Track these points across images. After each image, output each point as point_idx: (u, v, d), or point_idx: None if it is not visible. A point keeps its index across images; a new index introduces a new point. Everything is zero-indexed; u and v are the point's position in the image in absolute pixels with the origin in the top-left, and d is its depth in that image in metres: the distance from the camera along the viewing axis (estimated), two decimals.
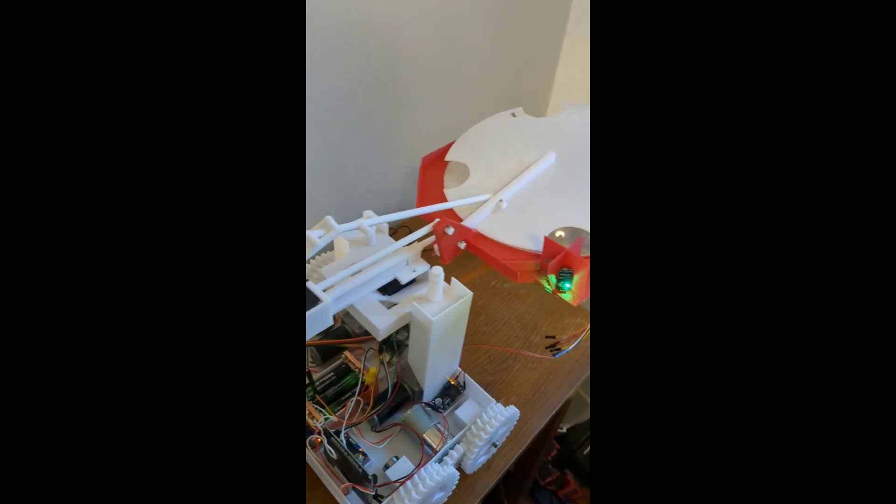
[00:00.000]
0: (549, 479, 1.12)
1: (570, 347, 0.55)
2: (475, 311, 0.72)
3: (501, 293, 0.76)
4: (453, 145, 0.58)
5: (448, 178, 0.56)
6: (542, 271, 0.45)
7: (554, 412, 0.62)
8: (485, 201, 0.51)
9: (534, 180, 0.54)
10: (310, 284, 0.38)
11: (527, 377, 0.65)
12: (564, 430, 1.14)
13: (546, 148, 0.57)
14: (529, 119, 0.63)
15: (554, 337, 0.70)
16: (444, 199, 0.53)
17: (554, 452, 1.13)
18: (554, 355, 0.59)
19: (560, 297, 0.44)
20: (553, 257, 0.44)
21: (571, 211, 0.50)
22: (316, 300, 0.37)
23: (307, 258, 0.40)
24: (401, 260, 0.47)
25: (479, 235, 0.49)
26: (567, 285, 0.43)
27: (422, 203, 0.52)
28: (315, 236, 0.40)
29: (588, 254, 0.45)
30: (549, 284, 0.44)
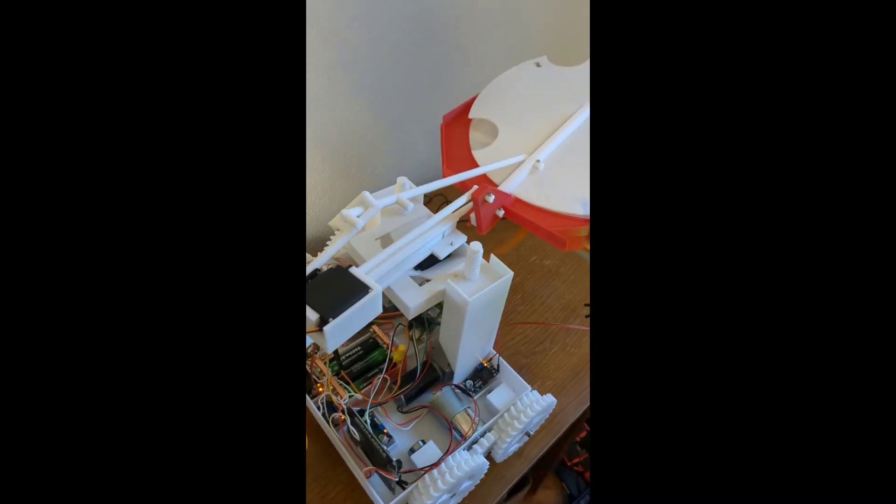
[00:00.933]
0: (576, 460, 1.09)
1: None
2: (512, 288, 0.68)
3: (541, 270, 0.71)
4: (476, 100, 0.52)
5: (474, 138, 0.50)
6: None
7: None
8: (520, 163, 0.46)
9: (571, 136, 0.48)
10: (355, 270, 0.33)
11: (564, 361, 0.61)
12: None
13: (580, 99, 0.51)
14: (556, 69, 0.56)
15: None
16: (473, 162, 0.47)
17: (584, 433, 1.10)
18: None
19: None
20: None
21: None
22: (365, 288, 0.32)
23: (348, 238, 0.36)
24: (436, 233, 0.43)
25: (518, 201, 0.44)
26: None
27: (449, 167, 0.47)
28: (353, 215, 0.36)
29: None
30: None
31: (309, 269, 0.33)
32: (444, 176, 0.47)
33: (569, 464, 1.10)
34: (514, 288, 0.68)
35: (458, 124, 0.52)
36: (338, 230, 0.37)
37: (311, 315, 0.30)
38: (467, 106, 0.52)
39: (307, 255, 0.57)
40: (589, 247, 0.42)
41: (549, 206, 0.43)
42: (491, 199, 0.42)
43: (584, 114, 0.49)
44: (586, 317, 0.65)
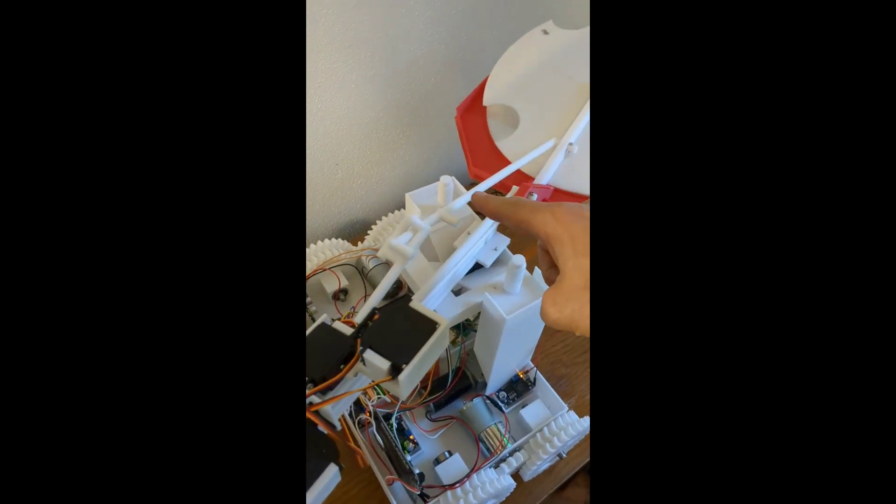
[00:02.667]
0: None
1: None
2: None
3: None
4: (486, 84, 0.47)
5: (494, 127, 0.46)
6: None
7: None
8: (551, 149, 0.42)
9: None
10: (416, 304, 0.30)
11: None
12: None
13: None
14: (564, 33, 0.50)
15: None
16: (500, 155, 0.44)
17: None
18: None
19: None
20: None
21: None
22: (432, 325, 0.29)
23: (402, 267, 0.34)
24: (482, 241, 0.40)
25: (558, 191, 0.41)
26: None
27: (475, 164, 0.44)
28: (403, 244, 0.33)
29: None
30: None
31: (366, 309, 0.30)
32: (471, 174, 0.44)
33: None
34: None
35: (473, 113, 0.47)
36: (389, 260, 0.35)
37: (382, 363, 0.27)
38: (479, 91, 0.48)
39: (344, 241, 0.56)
40: None
41: (588, 192, 0.40)
42: (534, 197, 0.39)
43: None
44: None
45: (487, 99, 0.47)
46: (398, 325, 0.29)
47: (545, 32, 0.51)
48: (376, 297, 0.32)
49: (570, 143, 0.42)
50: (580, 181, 0.41)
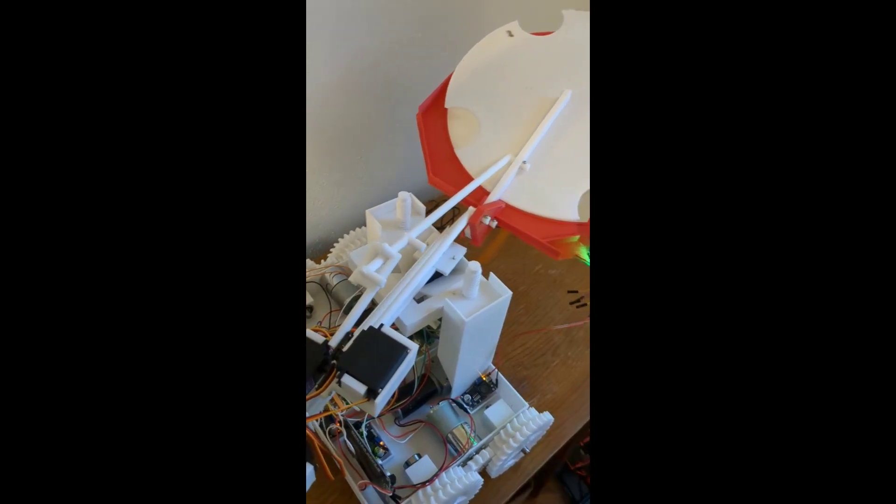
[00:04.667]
0: (579, 465, 1.09)
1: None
2: (515, 298, 0.68)
3: (546, 280, 0.71)
4: (449, 85, 0.49)
5: (454, 130, 0.48)
6: (582, 242, 0.41)
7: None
8: (507, 165, 0.45)
9: (555, 125, 0.47)
10: (388, 330, 0.33)
11: (565, 374, 0.61)
12: None
13: (556, 77, 0.49)
14: (529, 39, 0.52)
15: (577, 291, 0.64)
16: (458, 164, 0.46)
17: (587, 439, 1.09)
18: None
19: None
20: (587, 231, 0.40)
21: None
22: (403, 349, 0.32)
23: (373, 294, 0.36)
24: (441, 253, 0.43)
25: (509, 208, 0.44)
26: None
27: (434, 172, 0.46)
28: (373, 271, 0.36)
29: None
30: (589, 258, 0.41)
31: (340, 333, 0.33)
32: (430, 181, 0.46)
33: (572, 468, 1.10)
34: (518, 298, 0.68)
35: (435, 114, 0.49)
36: (361, 286, 0.37)
37: (359, 388, 0.30)
38: (441, 90, 0.49)
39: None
40: (581, 254, 0.42)
41: (539, 211, 0.43)
42: (487, 220, 0.42)
43: (566, 99, 0.48)
44: (571, 303, 0.64)
45: (449, 101, 0.48)
46: (371, 350, 0.32)
47: (510, 34, 0.52)
48: (350, 322, 0.34)
49: (524, 162, 0.45)
50: (530, 200, 0.44)
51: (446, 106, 0.48)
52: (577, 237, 0.42)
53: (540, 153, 0.46)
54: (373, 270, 0.36)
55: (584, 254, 0.42)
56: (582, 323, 0.64)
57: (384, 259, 0.37)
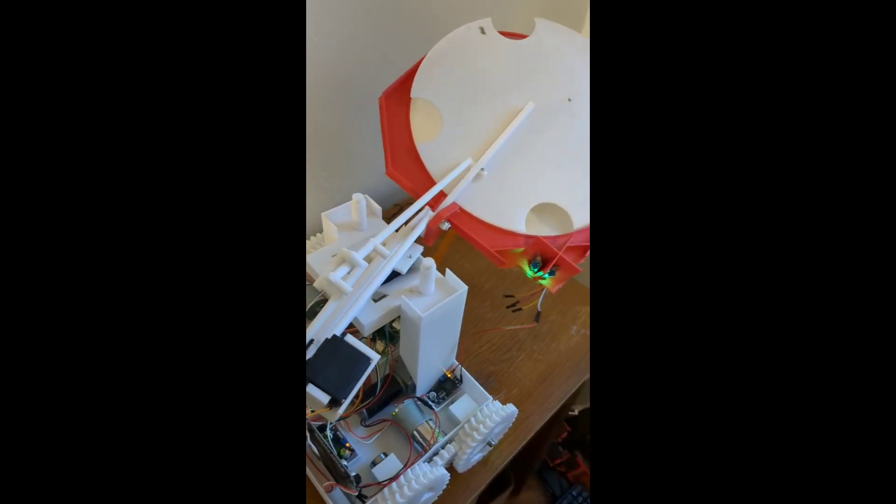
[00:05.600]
0: (558, 461, 1.10)
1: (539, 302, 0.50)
2: (480, 296, 0.69)
3: (511, 275, 0.72)
4: (417, 74, 0.48)
5: (416, 122, 0.48)
6: (525, 256, 0.43)
7: (559, 406, 0.59)
8: (466, 170, 0.45)
9: (515, 135, 0.48)
10: (351, 339, 0.33)
11: (531, 368, 0.62)
12: (576, 412, 1.11)
13: (521, 86, 0.49)
14: (501, 40, 0.52)
15: (512, 296, 0.65)
16: (417, 159, 0.46)
17: (565, 434, 1.11)
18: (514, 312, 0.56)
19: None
20: (531, 246, 0.42)
21: (552, 177, 0.46)
22: (367, 360, 0.33)
23: (337, 304, 0.36)
24: (397, 248, 0.43)
25: (462, 213, 0.45)
26: (543, 276, 0.41)
27: (393, 165, 0.46)
28: (339, 279, 0.36)
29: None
30: (530, 270, 0.42)
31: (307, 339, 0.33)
32: (388, 173, 0.46)
33: (551, 465, 1.11)
34: (483, 295, 0.69)
35: (398, 101, 0.48)
36: (326, 293, 0.37)
37: (322, 397, 0.30)
38: (409, 76, 0.48)
39: None
40: (523, 265, 0.43)
41: (490, 219, 0.44)
42: (446, 226, 0.43)
43: (527, 112, 0.48)
44: (507, 307, 0.65)
45: (415, 90, 0.48)
46: (335, 360, 0.32)
47: (482, 31, 0.52)
48: (313, 330, 0.34)
49: (482, 169, 0.46)
50: (482, 207, 0.45)
51: (412, 95, 0.48)
52: (522, 249, 0.44)
53: (496, 162, 0.47)
54: (338, 278, 0.36)
55: (524, 265, 0.43)
56: (532, 326, 0.65)
57: (350, 267, 0.37)
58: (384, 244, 0.42)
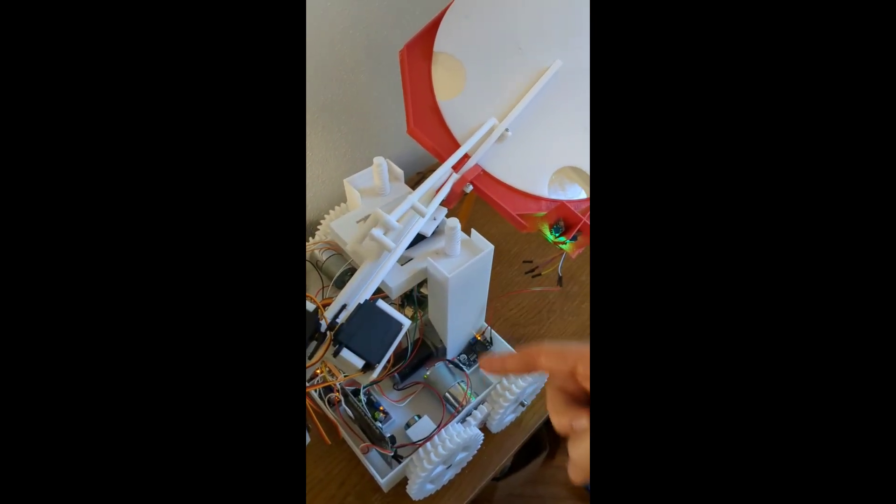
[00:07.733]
0: None
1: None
2: (508, 259, 0.68)
3: (538, 240, 0.71)
4: (440, 27, 0.45)
5: (439, 77, 0.45)
6: (546, 220, 0.41)
7: None
8: (490, 130, 0.44)
9: (541, 94, 0.45)
10: (383, 304, 0.33)
11: (563, 329, 0.61)
12: None
13: (548, 42, 0.46)
14: None
15: (531, 261, 0.64)
16: (439, 117, 0.45)
17: None
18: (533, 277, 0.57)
19: None
20: (554, 210, 0.41)
21: (577, 140, 0.44)
22: (398, 325, 0.33)
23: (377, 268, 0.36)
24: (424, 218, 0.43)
25: (485, 175, 0.43)
26: (564, 241, 0.40)
27: (416, 123, 0.44)
28: (381, 237, 0.36)
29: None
30: (551, 234, 0.41)
31: (335, 306, 0.33)
32: (409, 131, 0.45)
33: None
34: (511, 259, 0.68)
35: (421, 54, 0.45)
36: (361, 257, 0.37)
37: (356, 361, 0.30)
38: (432, 29, 0.45)
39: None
40: (543, 229, 0.42)
41: (513, 182, 0.43)
42: (469, 188, 0.42)
43: (555, 69, 0.46)
44: (526, 273, 0.64)
45: (438, 43, 0.45)
46: (367, 324, 0.32)
47: None
48: (346, 295, 0.34)
49: (506, 130, 0.44)
50: (505, 169, 0.44)
51: (435, 50, 0.45)
52: (544, 213, 0.43)
53: (520, 123, 0.45)
54: (381, 235, 0.36)
55: (545, 230, 0.42)
56: (558, 289, 0.64)
57: (385, 230, 0.37)
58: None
